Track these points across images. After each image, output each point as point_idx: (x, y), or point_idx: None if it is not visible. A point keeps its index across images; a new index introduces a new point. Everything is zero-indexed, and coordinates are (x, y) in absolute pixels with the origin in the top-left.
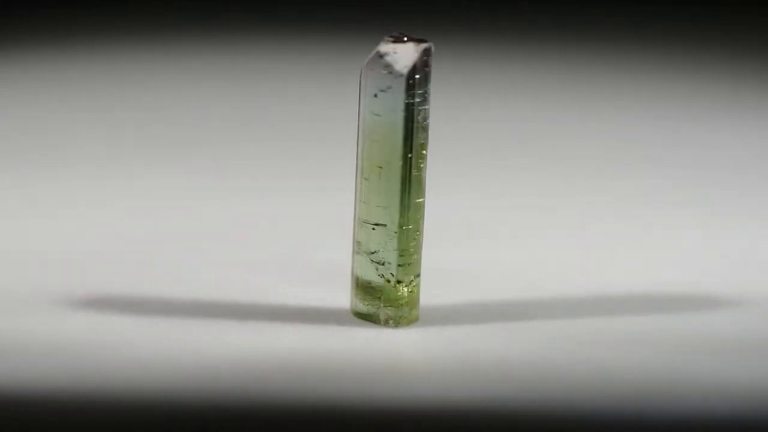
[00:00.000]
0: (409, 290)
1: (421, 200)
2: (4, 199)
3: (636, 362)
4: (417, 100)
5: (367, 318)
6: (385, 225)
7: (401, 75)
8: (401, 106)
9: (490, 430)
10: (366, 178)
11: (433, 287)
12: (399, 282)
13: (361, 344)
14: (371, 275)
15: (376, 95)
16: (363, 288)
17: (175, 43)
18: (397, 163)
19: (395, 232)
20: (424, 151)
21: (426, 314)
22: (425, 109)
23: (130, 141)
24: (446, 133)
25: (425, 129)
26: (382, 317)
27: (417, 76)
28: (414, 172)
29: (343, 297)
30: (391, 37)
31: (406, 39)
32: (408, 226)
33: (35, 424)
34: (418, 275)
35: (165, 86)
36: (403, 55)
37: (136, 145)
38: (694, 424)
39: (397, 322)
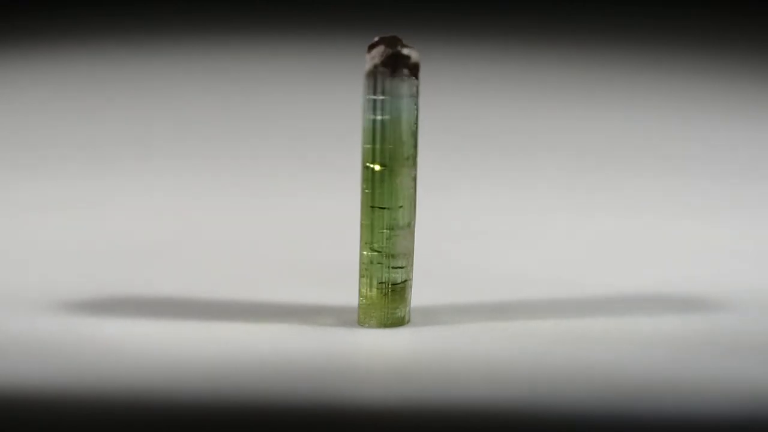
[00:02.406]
0: (383, 293)
1: (385, 208)
2: (1, 198)
3: (633, 362)
4: (375, 105)
5: None
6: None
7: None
8: (363, 108)
9: (485, 431)
10: None
11: (429, 287)
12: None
13: (350, 345)
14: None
15: None
16: None
17: (178, 42)
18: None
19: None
20: (405, 157)
21: (423, 314)
22: (389, 116)
23: (129, 140)
24: (446, 133)
25: (393, 135)
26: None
27: (372, 80)
28: (367, 174)
29: (345, 298)
30: (380, 38)
31: (386, 42)
32: (368, 227)
33: (31, 425)
34: (399, 282)
35: (166, 85)
36: (373, 58)
37: (135, 144)
38: (693, 424)
39: (361, 321)
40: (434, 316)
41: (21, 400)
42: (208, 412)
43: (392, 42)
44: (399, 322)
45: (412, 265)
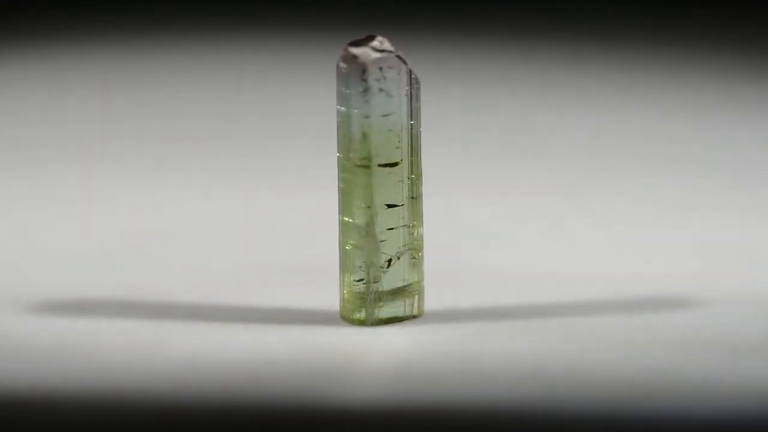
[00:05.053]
0: (348, 291)
1: (361, 204)
2: None
3: (634, 362)
4: (337, 97)
5: None
6: None
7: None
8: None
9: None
10: None
11: (428, 288)
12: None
13: (343, 345)
14: None
15: None
16: None
17: (171, 42)
18: None
19: None
20: (356, 157)
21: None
22: (347, 119)
23: (117, 140)
24: (447, 134)
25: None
26: None
27: (342, 82)
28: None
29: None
30: (368, 35)
31: (365, 39)
32: (342, 223)
33: (25, 426)
34: (357, 283)
35: (154, 85)
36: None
37: (122, 144)
38: (693, 424)
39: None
40: (432, 316)
41: (12, 400)
42: (199, 413)
43: (363, 40)
44: (358, 323)
45: (379, 270)
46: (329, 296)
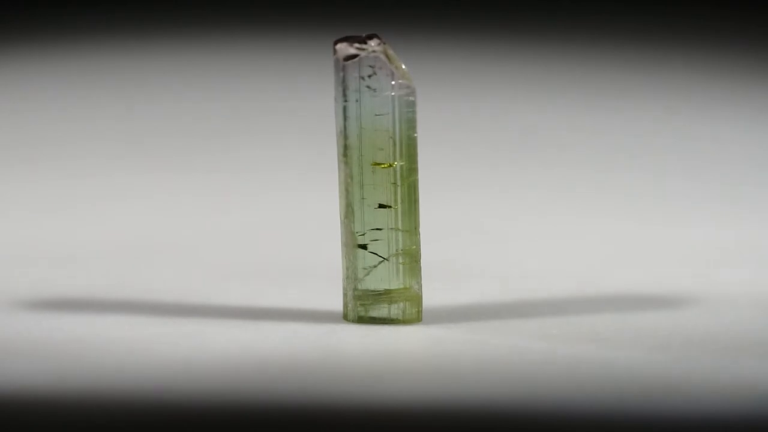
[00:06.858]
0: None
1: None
2: None
3: (632, 361)
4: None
5: None
6: None
7: None
8: None
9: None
10: None
11: (429, 287)
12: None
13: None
14: None
15: None
16: None
17: (171, 41)
18: None
19: None
20: (343, 157)
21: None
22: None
23: (116, 140)
24: (448, 134)
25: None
26: None
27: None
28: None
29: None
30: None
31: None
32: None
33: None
34: (347, 277)
35: (154, 85)
36: None
37: (121, 144)
38: (689, 424)
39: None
40: (432, 316)
41: (12, 400)
42: (199, 413)
43: (354, 37)
44: (344, 318)
45: (362, 270)
46: (334, 296)
